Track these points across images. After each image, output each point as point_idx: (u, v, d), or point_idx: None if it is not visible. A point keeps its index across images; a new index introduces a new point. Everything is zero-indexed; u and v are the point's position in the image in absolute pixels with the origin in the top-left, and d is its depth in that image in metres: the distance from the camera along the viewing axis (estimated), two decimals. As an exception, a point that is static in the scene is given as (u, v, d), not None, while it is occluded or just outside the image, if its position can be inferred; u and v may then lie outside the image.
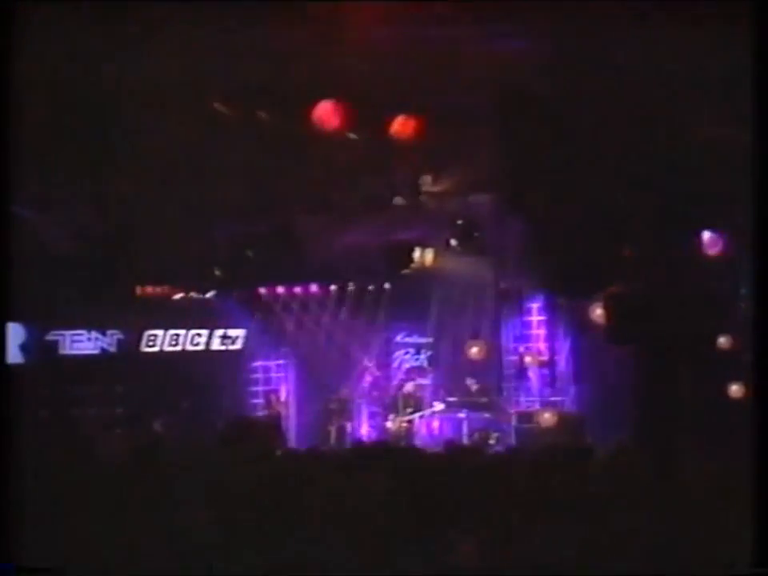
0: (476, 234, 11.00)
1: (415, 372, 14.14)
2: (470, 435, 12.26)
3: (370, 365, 14.09)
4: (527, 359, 12.05)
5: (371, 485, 5.61)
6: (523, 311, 12.28)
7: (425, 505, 5.04)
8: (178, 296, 13.61)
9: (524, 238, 10.59)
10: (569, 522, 4.56)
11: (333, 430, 13.23)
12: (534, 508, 4.94)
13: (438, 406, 13.07)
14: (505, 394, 13.54)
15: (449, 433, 12.70)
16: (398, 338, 14.55)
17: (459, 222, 11.09)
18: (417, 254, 11.33)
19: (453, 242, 11.17)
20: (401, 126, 7.14)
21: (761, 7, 4.84)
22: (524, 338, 12.58)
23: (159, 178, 9.12)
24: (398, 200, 10.87)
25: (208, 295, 13.80)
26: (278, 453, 9.05)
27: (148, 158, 8.84)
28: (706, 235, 9.11)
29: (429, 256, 11.43)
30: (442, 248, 11.45)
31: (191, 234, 10.88)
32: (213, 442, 9.04)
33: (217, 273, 11.44)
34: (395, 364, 14.53)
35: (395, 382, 13.84)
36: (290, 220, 11.19)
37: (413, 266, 11.26)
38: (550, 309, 12.44)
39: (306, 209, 10.83)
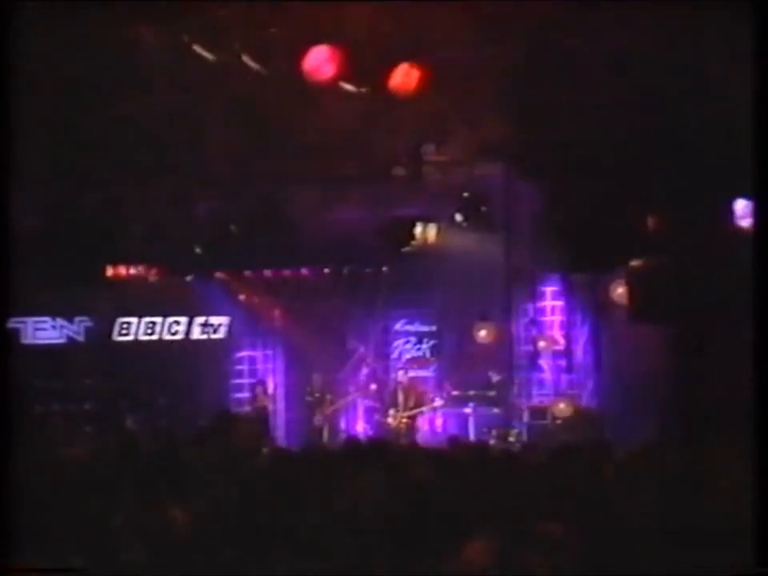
0: (484, 208, 10.85)
1: (416, 363, 14.08)
2: (487, 432, 12.21)
3: (367, 355, 14.00)
4: (541, 344, 11.89)
5: (368, 487, 5.64)
6: (536, 294, 12.14)
7: (431, 510, 5.06)
8: (153, 279, 13.47)
9: (538, 212, 10.46)
10: (584, 526, 4.63)
11: (325, 426, 13.16)
12: (550, 510, 4.96)
13: (437, 403, 13.02)
14: (516, 386, 13.42)
15: (454, 430, 12.60)
16: (398, 326, 14.46)
17: (465, 194, 10.92)
18: (418, 230, 11.16)
19: (458, 217, 11.00)
20: (403, 77, 6.94)
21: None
22: (537, 325, 12.44)
23: (132, 146, 8.94)
24: (398, 170, 10.73)
25: (187, 278, 13.66)
26: (265, 451, 9.06)
27: (119, 124, 8.66)
28: (739, 203, 8.90)
29: (432, 233, 11.26)
30: (447, 224, 11.30)
31: (168, 209, 10.72)
32: (192, 440, 8.99)
33: (197, 251, 11.27)
34: (394, 354, 14.44)
35: (394, 375, 13.76)
36: (278, 193, 11.04)
37: (414, 243, 11.10)
38: (566, 291, 12.28)
39: (294, 180, 10.67)
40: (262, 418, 12.12)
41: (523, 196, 10.60)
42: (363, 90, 7.17)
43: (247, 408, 13.43)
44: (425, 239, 11.28)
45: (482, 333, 12.33)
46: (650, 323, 9.60)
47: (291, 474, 6.32)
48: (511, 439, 11.89)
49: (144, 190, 9.93)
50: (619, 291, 10.64)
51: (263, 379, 14.04)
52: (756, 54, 5.11)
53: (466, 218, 10.97)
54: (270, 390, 14.01)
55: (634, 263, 9.41)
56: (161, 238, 11.01)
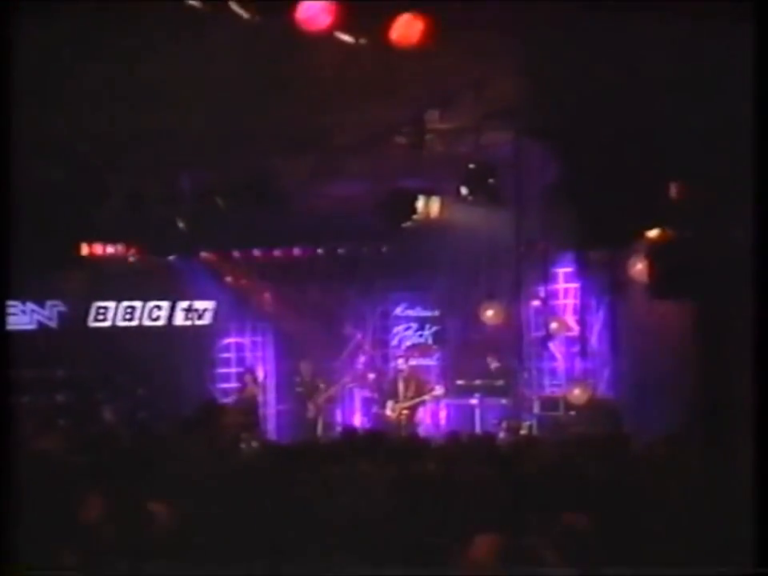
0: (492, 181, 10.69)
1: (418, 351, 14.10)
2: (497, 423, 12.19)
3: (364, 342, 14.05)
4: (553, 325, 11.80)
5: (365, 481, 5.86)
6: (548, 274, 12.04)
7: (435, 508, 5.29)
8: (132, 258, 13.37)
9: (550, 185, 10.24)
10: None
11: (319, 419, 13.16)
12: (564, 506, 5.01)
13: (438, 391, 12.97)
14: (526, 375, 13.39)
15: (458, 422, 12.56)
16: (398, 311, 14.54)
17: (472, 165, 10.76)
18: (420, 204, 11.03)
19: (464, 189, 10.85)
20: (405, 29, 6.78)
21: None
22: (549, 309, 12.36)
23: (108, 111, 8.77)
24: (399, 139, 10.48)
25: (170, 258, 13.60)
26: (254, 444, 9.02)
27: (92, 87, 8.50)
28: None
29: (435, 207, 11.13)
30: (451, 197, 11.15)
31: (147, 180, 10.58)
32: (174, 432, 8.97)
33: (180, 225, 11.13)
34: (394, 341, 14.51)
35: (394, 363, 13.77)
36: (267, 164, 10.88)
37: (415, 219, 10.97)
38: (580, 272, 12.18)
39: (285, 149, 10.50)
40: (250, 409, 12.03)
41: (535, 167, 10.40)
42: (362, 41, 6.99)
43: (235, 398, 13.41)
44: (427, 214, 11.15)
45: (489, 313, 12.26)
46: (671, 300, 9.48)
47: (281, 468, 6.39)
48: (523, 432, 11.87)
49: (121, 159, 9.76)
50: (638, 267, 10.52)
51: (252, 367, 14.05)
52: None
53: (472, 191, 10.79)
54: (260, 380, 14.01)
55: (655, 236, 9.28)
56: (140, 213, 10.84)
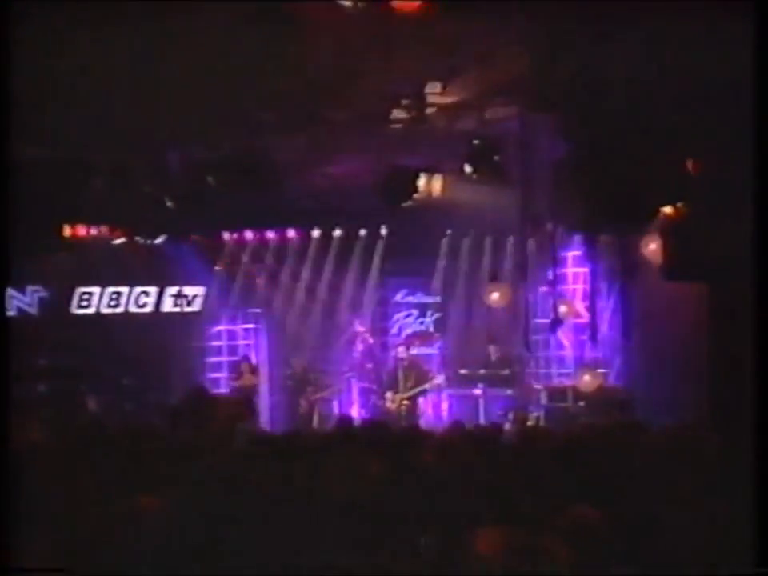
0: (497, 158, 10.65)
1: (419, 339, 14.13)
2: (503, 415, 12.24)
3: (362, 330, 14.04)
4: (562, 309, 11.79)
5: (363, 476, 5.56)
6: (556, 256, 12.01)
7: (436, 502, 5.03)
8: (118, 241, 13.33)
9: (559, 162, 10.19)
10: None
11: (315, 410, 13.18)
12: (572, 500, 4.90)
13: (439, 379, 13.03)
14: (532, 364, 13.43)
15: (461, 414, 12.55)
16: (398, 297, 14.56)
17: (476, 141, 10.74)
18: (422, 182, 10.99)
19: (467, 167, 10.82)
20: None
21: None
22: (557, 294, 12.33)
23: (93, 81, 8.72)
24: (399, 113, 10.51)
25: (158, 240, 13.55)
26: (244, 436, 8.99)
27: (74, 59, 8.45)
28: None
29: (437, 185, 11.07)
30: (454, 175, 11.12)
31: (134, 158, 10.54)
32: (163, 423, 8.98)
33: (169, 205, 11.07)
34: (394, 329, 14.54)
35: (394, 352, 13.75)
36: (260, 140, 10.83)
37: (416, 198, 10.92)
38: (589, 255, 12.13)
39: (279, 125, 10.46)
40: (245, 400, 12.02)
41: (542, 144, 10.35)
42: (360, 5, 6.94)
43: (231, 388, 13.44)
44: (429, 193, 11.09)
45: (494, 296, 12.24)
46: (686, 282, 9.44)
47: (274, 461, 6.22)
48: (530, 423, 11.92)
49: (106, 135, 9.70)
50: (651, 247, 10.50)
51: (248, 355, 14.07)
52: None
53: (476, 169, 10.76)
54: (252, 369, 13.94)
55: (669, 214, 9.25)
56: (127, 193, 10.79)
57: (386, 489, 5.57)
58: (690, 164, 8.53)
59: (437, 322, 14.34)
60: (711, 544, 4.50)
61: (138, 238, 13.42)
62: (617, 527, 4.62)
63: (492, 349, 13.27)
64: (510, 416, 12.15)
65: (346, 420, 8.59)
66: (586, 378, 12.15)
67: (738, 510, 4.68)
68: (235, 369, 13.72)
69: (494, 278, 12.15)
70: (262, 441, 7.75)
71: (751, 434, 5.11)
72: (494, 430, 9.13)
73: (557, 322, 11.23)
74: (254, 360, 14.14)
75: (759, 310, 5.38)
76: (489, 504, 5.19)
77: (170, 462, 6.43)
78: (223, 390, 13.64)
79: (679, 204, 9.08)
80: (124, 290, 13.49)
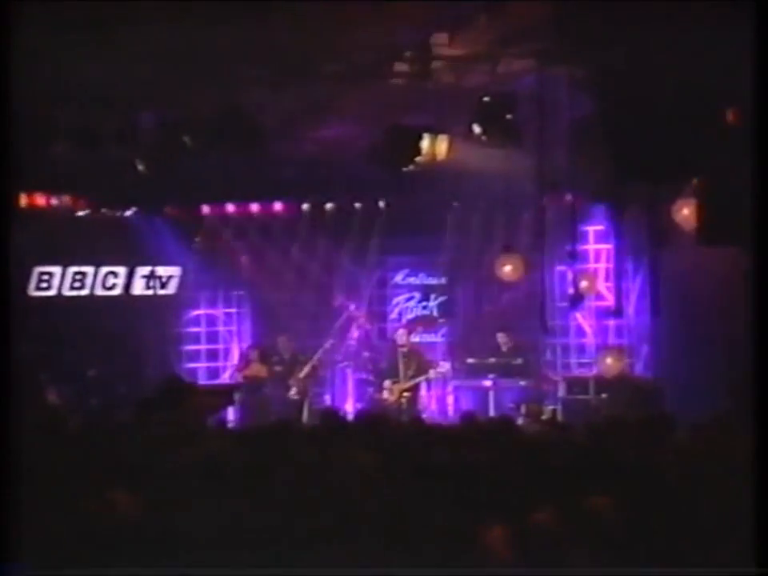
0: (509, 116, 10.64)
1: (421, 325, 14.16)
2: (515, 408, 12.31)
3: (359, 315, 14.07)
4: (583, 285, 11.77)
5: (358, 475, 5.72)
6: (576, 233, 11.97)
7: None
8: (82, 213, 13.29)
9: (579, 121, 10.16)
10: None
11: (306, 402, 13.19)
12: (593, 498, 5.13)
13: (442, 367, 13.09)
14: (549, 353, 13.48)
15: (469, 408, 12.50)
16: (398, 279, 14.59)
17: (486, 98, 10.72)
18: (425, 144, 10.93)
19: (476, 127, 10.79)
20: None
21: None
22: (577, 273, 12.32)
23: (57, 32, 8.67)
24: (400, 67, 10.47)
25: (127, 213, 13.55)
26: (226, 429, 9.02)
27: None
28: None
29: (442, 148, 10.98)
30: (462, 136, 11.05)
31: (101, 117, 10.48)
32: (132, 417, 8.92)
33: (140, 169, 11.02)
34: (393, 314, 14.58)
35: (393, 339, 13.71)
36: (243, 98, 10.80)
37: (419, 161, 10.88)
38: (614, 228, 12.12)
39: (265, 80, 10.43)
40: (224, 390, 12.03)
41: (560, 101, 10.32)
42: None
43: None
44: (433, 156, 11.02)
45: (507, 269, 12.24)
46: (725, 245, 9.40)
47: (256, 456, 6.38)
48: (544, 418, 11.89)
49: (68, 90, 9.65)
50: (684, 212, 10.48)
51: (226, 345, 14.07)
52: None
53: (486, 129, 10.72)
54: (235, 357, 14.08)
55: (704, 175, 9.20)
56: (91, 156, 10.74)
57: (382, 488, 5.66)
58: (729, 114, 8.48)
59: (442, 306, 14.35)
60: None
61: (104, 210, 13.37)
62: (616, 524, 4.86)
63: (503, 335, 13.31)
64: (523, 409, 12.17)
65: (341, 417, 8.60)
66: (608, 361, 12.27)
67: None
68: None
69: (508, 248, 12.12)
70: (241, 437, 7.84)
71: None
72: (508, 423, 9.21)
73: (578, 299, 11.20)
74: (235, 349, 14.20)
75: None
76: (503, 507, 5.28)
77: (139, 460, 6.52)
78: (202, 381, 13.70)
79: (715, 164, 9.03)
80: (89, 269, 13.48)
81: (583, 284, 11.83)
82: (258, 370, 13.41)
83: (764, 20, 6.15)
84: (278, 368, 13.43)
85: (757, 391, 5.48)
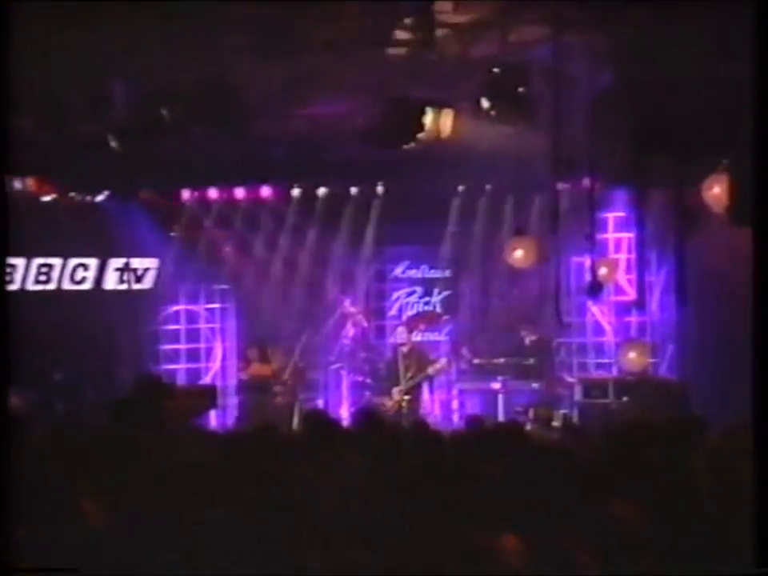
0: (522, 89, 10.62)
1: (423, 322, 14.19)
2: (522, 411, 12.40)
3: (354, 312, 14.10)
4: (602, 271, 11.74)
5: (354, 487, 5.74)
6: (594, 220, 11.92)
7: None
8: (48, 198, 13.22)
9: (598, 97, 10.14)
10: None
11: (296, 406, 13.19)
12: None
13: (441, 363, 13.09)
14: (563, 352, 13.50)
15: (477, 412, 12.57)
16: (398, 271, 14.62)
17: (495, 70, 10.67)
18: (428, 119, 10.89)
19: (484, 101, 10.75)
20: None
21: None
22: (595, 253, 12.31)
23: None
24: (401, 34, 10.45)
25: (99, 198, 13.46)
26: (210, 434, 8.98)
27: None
28: None
29: (447, 123, 10.93)
30: (468, 111, 10.99)
31: (68, 89, 10.40)
32: (103, 420, 8.91)
33: (113, 148, 10.94)
34: (393, 310, 14.61)
35: (392, 338, 13.82)
36: (226, 69, 10.75)
37: (421, 138, 10.84)
38: (636, 215, 12.04)
39: (251, 49, 10.38)
40: (206, 391, 12.02)
41: (578, 73, 10.32)
42: None
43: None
44: (436, 132, 10.96)
45: (518, 254, 12.17)
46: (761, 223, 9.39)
47: (239, 464, 6.36)
48: (555, 423, 11.99)
49: (31, 58, 9.57)
50: (715, 191, 10.46)
51: (208, 344, 14.06)
52: None
53: (495, 104, 10.68)
54: (218, 357, 14.11)
55: (736, 153, 9.20)
56: (58, 133, 10.66)
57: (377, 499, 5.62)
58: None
59: (446, 302, 14.40)
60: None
61: (72, 195, 13.28)
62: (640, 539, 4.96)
63: (514, 334, 13.36)
64: (531, 414, 12.25)
65: (335, 423, 8.60)
66: (632, 355, 12.23)
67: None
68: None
69: (519, 232, 12.10)
70: (222, 442, 7.83)
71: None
72: (519, 429, 9.20)
73: (596, 288, 11.13)
74: (218, 348, 14.18)
75: None
76: (516, 522, 5.26)
77: (112, 469, 6.51)
78: (181, 383, 13.66)
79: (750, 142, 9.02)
80: (56, 261, 13.43)
81: (602, 271, 11.76)
82: (259, 369, 13.45)
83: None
84: (296, 372, 13.56)
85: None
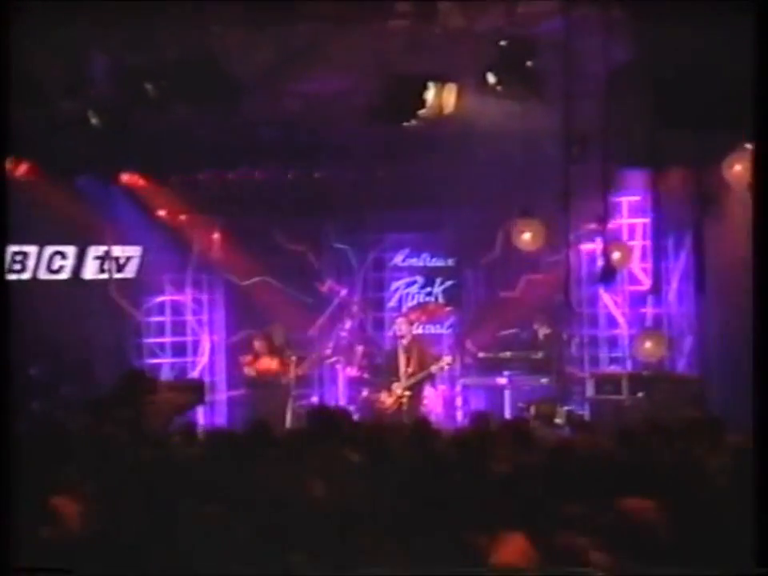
0: (530, 63, 10.59)
1: (425, 313, 14.21)
2: (525, 407, 12.42)
3: (351, 302, 14.19)
4: (616, 255, 11.69)
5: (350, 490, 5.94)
6: (607, 204, 11.89)
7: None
8: (21, 179, 12.88)
9: (613, 71, 10.11)
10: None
11: (290, 403, 13.21)
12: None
13: (445, 361, 13.04)
14: (574, 346, 13.48)
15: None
16: (398, 260, 14.67)
17: (502, 43, 10.65)
18: (430, 95, 10.88)
19: (491, 76, 10.72)
20: None
21: None
22: (608, 236, 12.30)
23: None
24: (402, 6, 10.47)
25: (76, 179, 13.37)
26: (194, 433, 9.02)
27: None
28: None
29: (450, 99, 10.93)
30: (473, 86, 10.96)
31: (45, 63, 10.36)
32: (82, 417, 9.30)
33: (93, 126, 10.88)
34: (392, 301, 14.66)
35: (392, 330, 13.77)
36: (214, 42, 10.70)
37: (422, 115, 10.83)
38: (652, 199, 12.06)
39: (240, 21, 10.33)
40: (193, 385, 12.01)
41: (592, 46, 10.28)
42: None
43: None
44: (439, 108, 10.95)
45: (526, 236, 12.20)
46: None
47: (229, 462, 6.65)
48: (558, 420, 11.99)
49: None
50: (737, 168, 10.44)
51: (195, 336, 14.08)
52: None
53: (502, 79, 10.68)
54: (206, 350, 14.14)
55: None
56: (33, 109, 10.60)
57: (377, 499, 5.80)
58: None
59: (448, 292, 14.42)
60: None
61: (50, 177, 13.05)
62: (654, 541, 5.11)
63: (521, 326, 13.40)
64: (532, 410, 12.25)
65: (330, 421, 8.59)
66: (648, 345, 12.23)
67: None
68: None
69: (526, 213, 12.10)
70: (214, 440, 7.83)
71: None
72: (526, 426, 9.20)
73: (609, 273, 11.09)
74: (206, 341, 14.20)
75: None
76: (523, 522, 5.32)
77: (92, 468, 6.64)
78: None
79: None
80: (31, 249, 13.35)
81: (616, 256, 11.72)
82: (269, 363, 13.42)
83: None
84: (289, 367, 13.48)
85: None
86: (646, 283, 13.01)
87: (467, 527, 5.20)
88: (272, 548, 5.03)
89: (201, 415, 13.16)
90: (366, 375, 13.57)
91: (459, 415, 13.58)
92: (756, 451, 5.57)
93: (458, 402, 13.78)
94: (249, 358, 13.57)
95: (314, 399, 13.82)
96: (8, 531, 5.00)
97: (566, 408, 12.46)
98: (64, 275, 13.54)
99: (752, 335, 5.83)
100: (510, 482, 6.00)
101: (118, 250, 13.82)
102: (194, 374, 14.16)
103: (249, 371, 13.46)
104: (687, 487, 6.00)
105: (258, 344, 13.50)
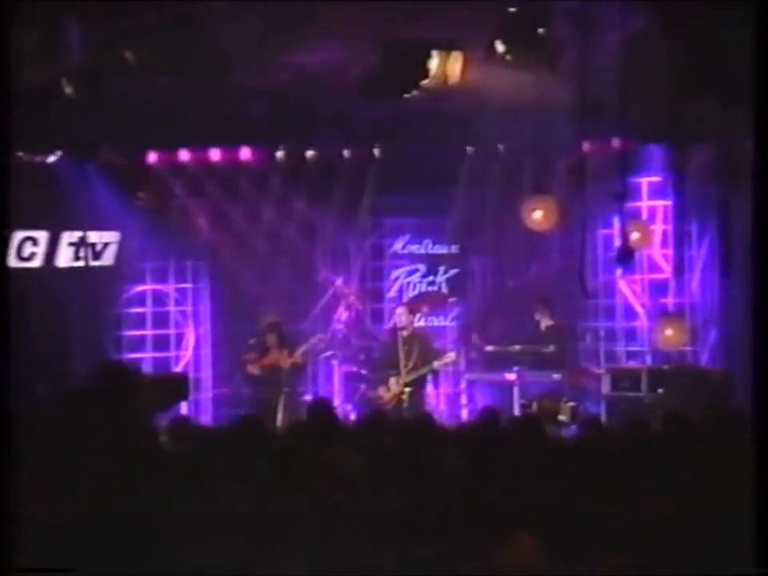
0: (541, 31, 10.56)
1: (427, 304, 14.31)
2: (528, 404, 12.61)
3: (348, 292, 14.20)
4: (635, 235, 11.73)
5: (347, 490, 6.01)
6: (626, 185, 11.89)
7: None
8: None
9: (632, 40, 10.15)
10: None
11: (282, 399, 13.28)
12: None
13: (449, 357, 13.14)
14: (588, 339, 13.56)
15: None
16: (398, 246, 14.72)
17: (511, 9, 10.58)
18: (434, 63, 10.88)
19: (499, 44, 10.67)
20: None
21: None
22: (626, 214, 12.31)
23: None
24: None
25: (50, 159, 13.44)
26: (179, 429, 9.00)
27: None
28: None
29: (455, 68, 10.91)
30: (481, 55, 10.93)
31: (13, 27, 10.31)
32: (57, 413, 8.96)
33: (67, 92, 10.84)
34: (392, 291, 14.73)
35: (392, 322, 13.83)
36: (201, 13, 10.65)
37: (425, 85, 10.82)
38: (674, 180, 12.17)
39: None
40: (178, 379, 12.00)
41: (609, 13, 10.24)
42: None
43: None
44: (443, 78, 10.95)
45: (537, 215, 12.35)
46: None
47: (211, 459, 6.66)
48: (562, 417, 12.14)
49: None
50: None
51: (180, 329, 14.19)
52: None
53: (511, 47, 10.64)
54: (191, 344, 14.21)
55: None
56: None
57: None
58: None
59: (452, 281, 14.45)
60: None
61: (20, 155, 12.99)
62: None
63: (531, 317, 13.41)
64: (534, 407, 12.40)
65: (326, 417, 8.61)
66: (669, 332, 12.39)
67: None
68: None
69: (539, 190, 12.10)
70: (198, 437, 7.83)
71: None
72: (538, 424, 9.20)
73: (626, 254, 11.05)
74: (191, 334, 14.27)
75: None
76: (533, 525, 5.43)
77: (67, 467, 6.63)
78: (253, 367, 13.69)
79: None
80: (0, 234, 13.43)
81: (635, 236, 11.71)
82: (277, 357, 13.48)
83: None
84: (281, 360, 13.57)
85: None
86: (668, 271, 13.11)
87: (472, 528, 5.27)
88: (267, 547, 5.11)
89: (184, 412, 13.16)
90: (363, 370, 13.62)
91: (464, 414, 13.64)
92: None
93: (463, 399, 13.87)
94: (253, 355, 13.60)
95: (308, 396, 13.67)
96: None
97: (570, 404, 12.53)
98: (36, 263, 13.55)
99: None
100: (518, 481, 6.06)
101: (94, 236, 13.81)
102: (178, 369, 14.19)
103: (253, 369, 13.52)
104: (709, 489, 6.08)
105: (268, 337, 13.55)
